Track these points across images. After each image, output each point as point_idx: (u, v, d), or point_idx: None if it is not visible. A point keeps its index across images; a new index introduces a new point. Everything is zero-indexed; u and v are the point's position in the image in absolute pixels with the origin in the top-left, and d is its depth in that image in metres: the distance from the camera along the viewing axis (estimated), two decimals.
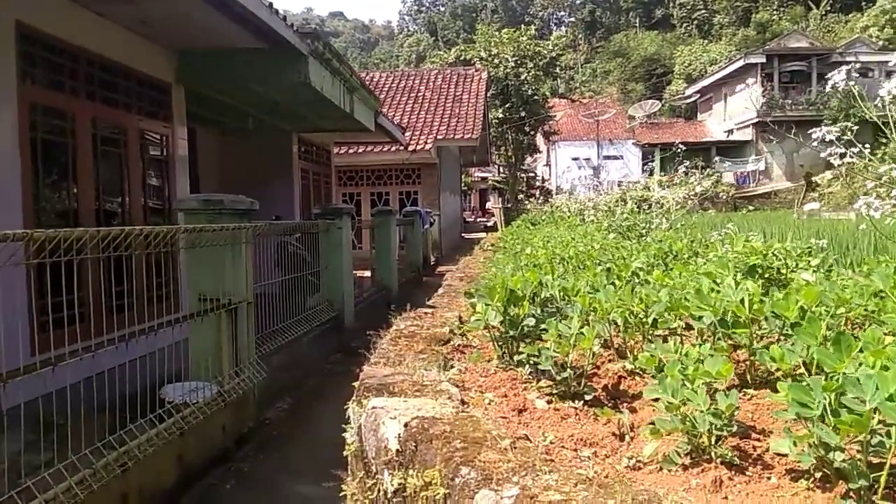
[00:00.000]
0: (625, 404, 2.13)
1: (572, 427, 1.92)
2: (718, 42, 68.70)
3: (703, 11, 77.42)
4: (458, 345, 2.91)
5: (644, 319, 2.35)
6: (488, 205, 48.78)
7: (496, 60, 30.14)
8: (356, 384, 2.38)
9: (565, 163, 48.04)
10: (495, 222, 28.60)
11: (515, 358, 2.41)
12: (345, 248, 8.84)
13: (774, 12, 66.34)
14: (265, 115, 10.96)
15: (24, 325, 4.77)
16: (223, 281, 5.05)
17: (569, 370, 2.09)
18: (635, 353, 2.38)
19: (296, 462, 5.08)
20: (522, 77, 30.18)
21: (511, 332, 2.39)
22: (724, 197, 37.21)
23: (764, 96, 44.28)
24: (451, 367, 2.58)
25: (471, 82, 22.73)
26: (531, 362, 2.35)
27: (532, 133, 33.17)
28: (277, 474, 4.83)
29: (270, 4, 6.66)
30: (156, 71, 7.47)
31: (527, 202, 28.67)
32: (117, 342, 3.67)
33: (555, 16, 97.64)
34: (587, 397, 2.08)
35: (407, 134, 18.41)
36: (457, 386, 2.27)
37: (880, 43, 47.58)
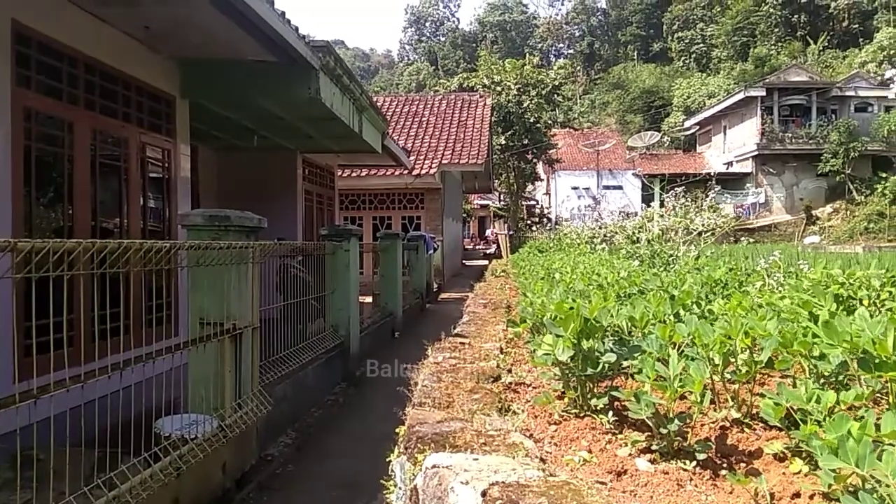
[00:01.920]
0: (741, 464, 1.71)
1: (694, 499, 1.50)
2: (717, 75, 69.16)
3: (702, 45, 78.14)
4: (510, 382, 2.49)
5: (754, 358, 1.93)
6: (488, 232, 48.47)
7: (499, 88, 30.02)
8: (402, 430, 1.96)
9: (565, 192, 47.96)
10: (497, 249, 28.22)
11: (593, 402, 2.00)
12: (352, 272, 8.42)
13: (772, 47, 66.86)
14: (269, 133, 10.62)
15: (6, 349, 4.33)
16: (228, 304, 4.63)
17: (676, 422, 1.67)
18: (739, 399, 1.98)
19: None
20: (525, 105, 30.03)
21: (589, 370, 1.97)
22: (726, 229, 36.91)
23: (763, 129, 44.34)
24: (510, 409, 2.17)
25: (475, 108, 22.50)
26: (615, 408, 1.94)
27: (534, 161, 32.97)
28: None
29: (283, 13, 6.33)
30: (159, 82, 7.12)
31: (532, 229, 28.22)
32: (110, 372, 3.24)
33: (554, 48, 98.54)
34: (700, 456, 1.67)
35: (411, 158, 18.10)
36: (526, 435, 1.85)
37: (879, 79, 47.85)
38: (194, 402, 4.61)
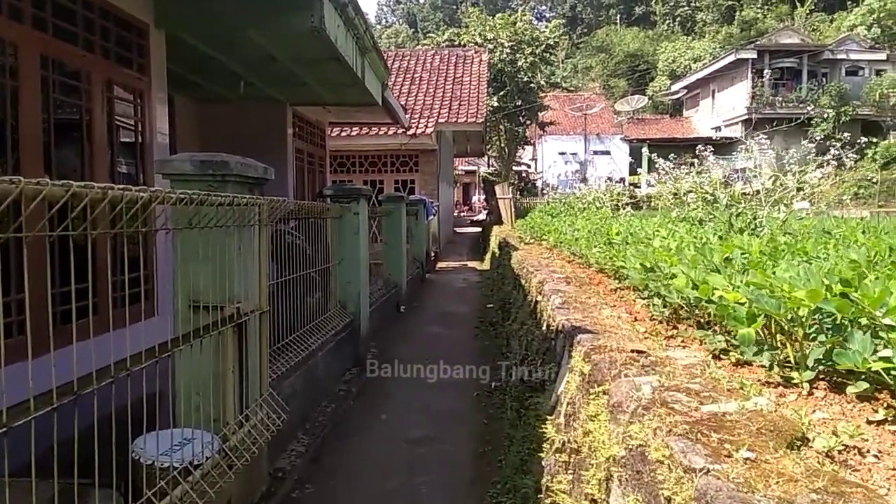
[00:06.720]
0: None
1: None
2: (702, 39, 68.02)
3: (686, 8, 76.77)
4: (829, 451, 1.31)
5: None
6: (473, 199, 47.23)
7: (491, 45, 28.42)
8: None
9: (552, 157, 46.80)
10: (488, 216, 27.00)
11: None
12: (362, 239, 7.18)
13: (759, 10, 65.73)
14: (258, 80, 9.24)
15: None
16: (229, 281, 3.39)
17: None
18: None
19: None
20: (519, 64, 28.51)
21: None
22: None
23: (754, 93, 43.37)
24: None
25: (471, 64, 21.02)
26: None
27: (528, 123, 31.57)
28: None
29: None
30: (129, 5, 5.74)
31: (538, 194, 26.72)
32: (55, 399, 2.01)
33: (536, 10, 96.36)
34: None
35: (405, 116, 16.75)
36: None
37: (869, 42, 47.05)
38: (184, 412, 3.40)
